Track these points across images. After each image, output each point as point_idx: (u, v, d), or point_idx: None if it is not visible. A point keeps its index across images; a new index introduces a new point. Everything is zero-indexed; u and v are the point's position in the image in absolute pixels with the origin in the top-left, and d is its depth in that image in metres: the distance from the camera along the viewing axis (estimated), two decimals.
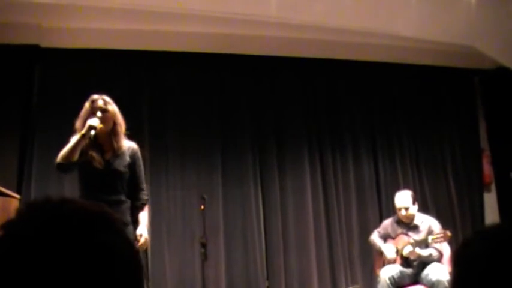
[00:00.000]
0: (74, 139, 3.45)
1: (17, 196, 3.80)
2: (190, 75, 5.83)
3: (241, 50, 5.96)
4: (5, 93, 5.12)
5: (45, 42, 5.33)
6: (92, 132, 3.42)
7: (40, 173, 5.15)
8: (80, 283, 0.72)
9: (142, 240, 3.54)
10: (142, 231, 3.58)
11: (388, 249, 4.86)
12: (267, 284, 5.68)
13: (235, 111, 5.93)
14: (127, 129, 3.68)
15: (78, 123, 3.54)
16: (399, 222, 4.97)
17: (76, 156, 3.44)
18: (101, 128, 3.47)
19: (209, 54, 5.84)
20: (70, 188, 5.06)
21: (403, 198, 4.92)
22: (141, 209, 3.69)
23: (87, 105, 3.56)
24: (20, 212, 0.79)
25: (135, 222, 3.61)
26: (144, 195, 3.73)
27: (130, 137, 3.72)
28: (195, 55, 5.79)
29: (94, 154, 3.52)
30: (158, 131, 5.64)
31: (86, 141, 3.46)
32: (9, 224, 0.77)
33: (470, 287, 0.96)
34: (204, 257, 4.66)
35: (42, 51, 5.33)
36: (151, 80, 5.74)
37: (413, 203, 4.91)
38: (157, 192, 5.50)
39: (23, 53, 5.21)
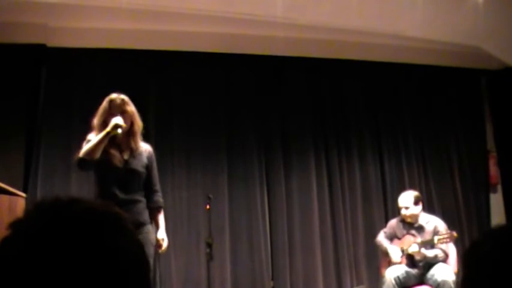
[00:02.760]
0: (98, 136, 3.42)
1: (23, 195, 3.80)
2: (197, 75, 5.83)
3: (247, 50, 5.96)
4: (12, 92, 5.13)
5: (52, 42, 5.34)
6: (119, 130, 3.41)
7: (46, 171, 5.16)
8: (86, 285, 0.72)
9: (165, 244, 3.61)
10: (164, 235, 3.64)
11: (394, 252, 4.85)
12: (272, 284, 5.67)
13: (241, 111, 5.92)
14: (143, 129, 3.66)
15: (96, 121, 3.53)
16: (404, 221, 4.97)
17: (99, 154, 3.41)
18: (125, 127, 3.47)
19: (215, 54, 5.84)
20: (76, 187, 5.09)
21: (404, 198, 4.94)
22: (159, 211, 3.70)
23: (105, 104, 3.54)
24: (28, 212, 0.79)
25: (151, 223, 3.63)
26: (160, 197, 3.74)
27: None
28: (201, 55, 5.79)
29: (114, 152, 3.50)
30: (164, 131, 5.63)
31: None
32: (17, 223, 0.77)
33: None
34: (210, 257, 4.66)
35: (48, 50, 5.34)
36: (157, 79, 5.74)
37: (416, 204, 4.90)
38: (163, 192, 5.38)
39: (29, 52, 5.22)
